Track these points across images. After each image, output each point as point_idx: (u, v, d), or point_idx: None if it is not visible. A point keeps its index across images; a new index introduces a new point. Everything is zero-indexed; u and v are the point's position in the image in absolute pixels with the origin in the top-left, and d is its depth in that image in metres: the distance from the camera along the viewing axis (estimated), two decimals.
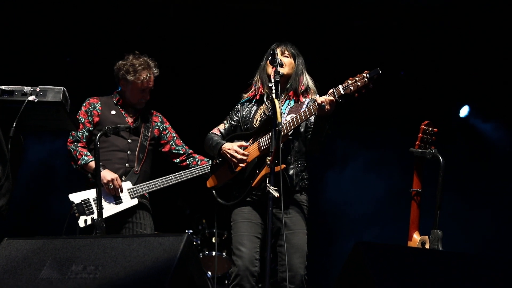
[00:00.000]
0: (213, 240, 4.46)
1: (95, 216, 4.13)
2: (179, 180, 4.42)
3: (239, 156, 3.68)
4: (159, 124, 4.62)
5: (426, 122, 3.78)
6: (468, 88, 7.07)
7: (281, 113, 3.40)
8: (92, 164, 4.22)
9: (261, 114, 3.81)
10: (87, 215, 4.16)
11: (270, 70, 3.71)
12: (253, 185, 3.62)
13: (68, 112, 3.10)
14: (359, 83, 3.39)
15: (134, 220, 4.35)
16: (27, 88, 3.00)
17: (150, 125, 4.55)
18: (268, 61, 3.70)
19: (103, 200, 3.93)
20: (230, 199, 3.76)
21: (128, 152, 4.41)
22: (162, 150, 4.63)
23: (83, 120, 4.39)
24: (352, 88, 3.39)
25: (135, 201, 4.31)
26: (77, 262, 2.57)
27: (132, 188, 4.32)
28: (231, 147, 3.71)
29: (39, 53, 6.66)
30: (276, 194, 3.28)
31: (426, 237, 3.66)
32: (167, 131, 4.63)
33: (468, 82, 6.98)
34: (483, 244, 6.60)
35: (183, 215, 7.08)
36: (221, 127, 3.94)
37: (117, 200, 4.26)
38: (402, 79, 7.20)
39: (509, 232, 6.63)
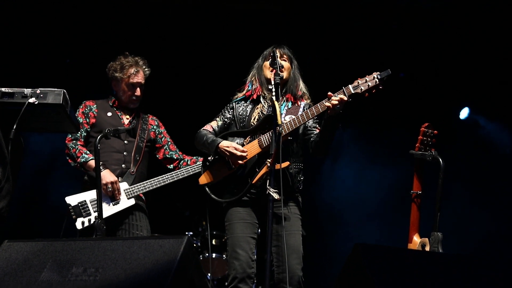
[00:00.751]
0: (208, 238, 4.46)
1: (93, 217, 4.15)
2: (176, 179, 4.43)
3: (239, 154, 3.66)
4: (155, 127, 4.64)
5: (426, 124, 3.79)
6: (468, 90, 7.07)
7: (280, 115, 3.40)
8: (92, 162, 4.25)
9: (258, 113, 3.81)
10: (84, 217, 4.17)
11: (269, 72, 3.73)
12: (253, 182, 3.61)
13: (68, 114, 3.09)
14: (369, 83, 3.44)
15: (131, 221, 4.35)
16: (27, 90, 3.00)
17: (147, 127, 4.57)
18: (268, 63, 3.73)
19: (97, 202, 3.92)
20: (226, 195, 3.75)
21: (125, 153, 4.42)
22: (157, 155, 4.65)
23: (81, 120, 4.42)
24: (363, 88, 3.44)
25: (132, 201, 4.32)
26: (77, 264, 2.57)
27: (129, 189, 4.33)
28: (230, 145, 3.70)
29: (39, 55, 6.66)
30: (276, 196, 3.29)
31: (426, 239, 3.66)
32: (162, 135, 4.66)
33: (468, 84, 6.98)
34: (484, 246, 6.59)
35: (183, 217, 7.08)
36: (214, 124, 3.91)
37: (114, 201, 4.27)
38: (402, 80, 7.20)
39: (509, 233, 6.62)
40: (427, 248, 3.61)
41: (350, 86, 3.48)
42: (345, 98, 3.45)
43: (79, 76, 6.63)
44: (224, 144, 3.71)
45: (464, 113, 7.46)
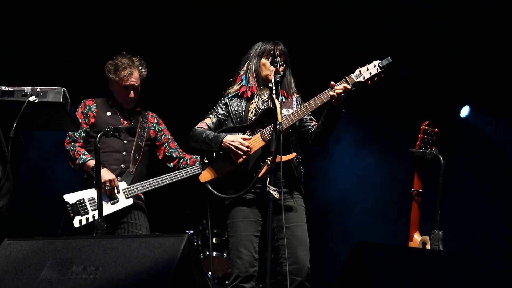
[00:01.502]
0: (209, 236, 4.46)
1: (90, 216, 4.15)
2: (174, 180, 4.43)
3: (245, 149, 3.65)
4: (155, 125, 4.63)
5: (427, 122, 3.79)
6: (469, 88, 7.07)
7: (281, 113, 3.39)
8: (90, 162, 4.27)
9: (255, 108, 3.81)
10: (82, 215, 4.17)
11: (268, 71, 3.74)
12: (259, 175, 3.59)
13: (68, 113, 3.09)
14: (371, 71, 3.54)
15: (129, 220, 4.35)
16: (27, 89, 3.00)
17: (146, 125, 4.56)
18: (268, 62, 3.75)
19: (97, 200, 3.93)
20: (230, 191, 3.73)
21: (124, 153, 4.42)
22: (157, 153, 4.65)
23: (80, 120, 4.39)
24: (365, 76, 3.54)
25: (130, 201, 4.32)
26: (77, 263, 2.57)
27: (127, 188, 4.33)
28: (235, 139, 3.67)
29: (39, 53, 6.66)
30: (276, 195, 3.29)
31: (427, 237, 3.66)
32: (162, 132, 4.64)
33: (468, 82, 6.98)
34: (484, 244, 6.59)
35: (184, 216, 7.08)
36: (208, 121, 3.88)
37: (113, 200, 4.27)
38: (403, 79, 7.20)
39: (510, 231, 6.62)
40: (428, 246, 3.61)
41: (352, 75, 3.57)
42: (349, 87, 3.51)
43: (80, 74, 6.63)
44: (229, 138, 3.69)
45: (464, 111, 7.46)
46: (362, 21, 6.64)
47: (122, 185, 4.33)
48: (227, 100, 3.91)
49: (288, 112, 3.66)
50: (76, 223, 4.14)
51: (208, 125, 3.86)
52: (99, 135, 3.79)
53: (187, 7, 6.53)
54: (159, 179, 4.39)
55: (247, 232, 3.67)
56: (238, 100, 3.88)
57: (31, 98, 2.97)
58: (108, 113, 4.49)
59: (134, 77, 4.43)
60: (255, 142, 3.70)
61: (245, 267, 3.60)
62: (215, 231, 6.58)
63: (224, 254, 6.46)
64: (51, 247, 2.67)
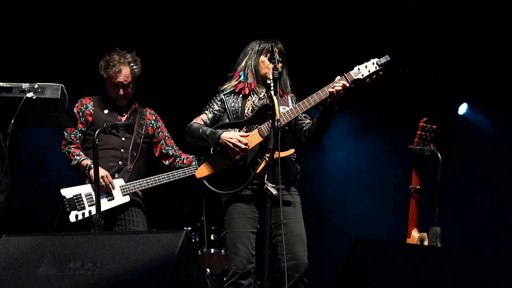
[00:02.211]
0: (205, 233, 4.46)
1: (87, 211, 4.15)
2: (172, 179, 4.42)
3: (243, 146, 3.65)
4: (153, 122, 4.62)
5: (425, 119, 3.79)
6: (467, 85, 7.07)
7: (279, 110, 3.40)
8: (84, 162, 4.30)
9: (251, 104, 3.81)
10: (78, 210, 4.17)
11: (267, 69, 3.74)
12: (257, 171, 3.59)
13: (66, 109, 3.09)
14: (370, 69, 3.59)
15: (127, 217, 4.35)
16: (25, 85, 2.99)
17: (144, 122, 4.55)
18: (266, 59, 3.75)
19: (95, 196, 3.93)
20: (227, 187, 3.72)
21: (122, 150, 4.42)
22: (154, 149, 4.64)
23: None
24: (364, 73, 3.59)
25: (126, 198, 4.32)
26: (75, 259, 2.57)
27: (124, 185, 4.32)
28: (233, 136, 3.67)
29: (37, 50, 6.64)
30: (274, 191, 3.28)
31: (425, 234, 3.66)
32: (159, 129, 4.64)
33: (467, 80, 6.98)
34: (482, 241, 6.60)
35: (181, 213, 7.08)
36: (204, 117, 3.88)
37: (109, 196, 4.27)
38: (401, 76, 7.20)
39: (508, 228, 6.63)
40: (426, 243, 3.62)
41: (351, 72, 3.61)
42: (347, 84, 3.54)
43: (78, 71, 6.62)
44: (227, 135, 3.69)
45: (462, 108, 7.47)
46: (361, 19, 6.63)
47: (120, 182, 4.33)
48: (223, 96, 3.90)
49: (284, 109, 3.67)
50: (72, 218, 4.14)
51: (204, 121, 3.85)
52: (97, 132, 3.80)
53: (185, 5, 6.52)
54: (156, 178, 4.39)
55: (244, 228, 3.67)
56: (234, 96, 3.88)
57: (29, 95, 2.97)
58: (106, 111, 4.48)
59: (123, 75, 4.40)
60: (253, 138, 3.70)
61: (242, 264, 3.61)
62: (212, 228, 6.59)
63: (222, 251, 6.46)
64: (49, 243, 2.67)
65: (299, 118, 3.84)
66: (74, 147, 4.39)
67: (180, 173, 4.43)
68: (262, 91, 3.83)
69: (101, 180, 4.19)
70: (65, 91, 3.05)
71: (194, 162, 4.51)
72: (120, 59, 4.41)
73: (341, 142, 7.52)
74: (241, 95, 3.86)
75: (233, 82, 3.92)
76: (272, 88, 3.42)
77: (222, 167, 3.75)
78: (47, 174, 6.81)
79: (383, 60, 3.61)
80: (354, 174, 7.49)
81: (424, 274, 2.59)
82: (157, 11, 6.56)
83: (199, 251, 6.37)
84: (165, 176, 4.41)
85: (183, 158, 4.59)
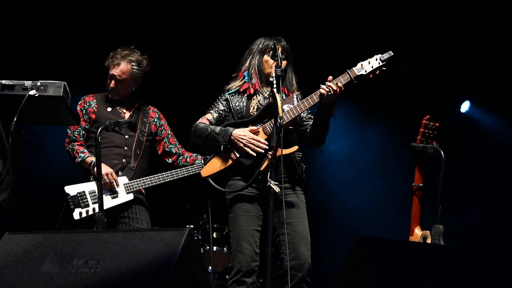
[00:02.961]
0: (209, 231, 4.48)
1: (91, 209, 4.15)
2: (175, 178, 4.42)
3: (256, 143, 3.64)
4: (156, 120, 4.62)
5: (428, 116, 3.78)
6: (469, 83, 7.06)
7: (282, 107, 3.39)
8: (88, 159, 4.30)
9: (256, 104, 3.81)
10: (82, 208, 4.17)
11: (270, 68, 3.73)
12: (261, 169, 3.57)
13: (69, 107, 3.09)
14: (373, 65, 3.58)
15: (131, 215, 4.35)
16: (28, 83, 2.99)
17: (147, 120, 4.55)
18: (269, 57, 3.73)
19: (98, 194, 3.93)
20: (232, 185, 3.72)
21: (125, 147, 4.42)
22: (157, 147, 4.64)
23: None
24: (367, 69, 3.58)
25: (130, 196, 4.31)
26: (78, 257, 2.57)
27: (128, 183, 4.32)
28: (245, 133, 3.66)
29: (40, 48, 6.65)
30: (277, 189, 3.28)
31: (428, 232, 3.65)
32: (162, 127, 4.64)
33: (469, 77, 6.97)
34: (485, 239, 6.60)
35: (184, 211, 7.09)
36: (209, 117, 3.87)
37: (113, 194, 4.27)
38: (403, 74, 7.19)
39: (510, 226, 6.63)
40: (429, 241, 3.61)
41: (354, 68, 3.59)
42: (335, 87, 3.50)
43: (80, 69, 6.63)
44: (238, 132, 3.68)
45: (465, 106, 7.46)
46: (361, 17, 6.62)
47: (123, 180, 4.32)
48: (228, 96, 3.90)
49: (289, 108, 3.66)
50: (76, 215, 4.14)
51: (209, 121, 3.85)
52: (100, 129, 3.79)
53: (188, 4, 6.51)
54: (160, 176, 4.39)
55: (249, 226, 3.67)
56: (239, 96, 3.87)
57: (32, 92, 2.96)
58: (109, 109, 4.49)
59: (119, 69, 4.41)
60: (259, 136, 3.70)
61: (246, 261, 3.60)
62: (215, 225, 6.59)
63: (225, 248, 6.46)
64: (51, 241, 2.67)
65: (304, 119, 3.84)
66: (78, 145, 4.40)
67: (184, 172, 4.43)
68: (267, 90, 3.82)
69: (105, 177, 4.19)
70: (68, 88, 3.05)
71: (197, 160, 4.51)
72: (125, 55, 4.43)
73: (344, 140, 7.52)
74: (246, 95, 3.86)
75: (238, 82, 3.92)
76: (274, 85, 3.42)
77: (227, 165, 3.74)
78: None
79: (386, 55, 3.61)
80: (357, 171, 7.49)
81: (427, 272, 2.58)
82: (159, 10, 6.56)
83: (201, 249, 6.37)
84: (169, 174, 4.41)
85: (186, 156, 4.59)
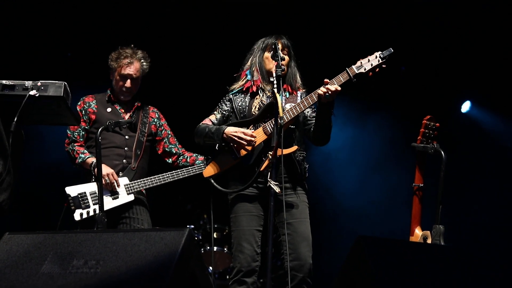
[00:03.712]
0: (211, 232, 4.48)
1: (91, 210, 4.15)
2: (176, 178, 4.42)
3: (248, 138, 3.64)
4: (156, 120, 4.63)
5: (428, 117, 3.78)
6: (470, 83, 7.06)
7: (282, 107, 3.38)
8: (89, 160, 4.31)
9: (258, 103, 3.81)
10: (83, 209, 4.17)
11: (271, 64, 3.72)
12: (261, 169, 3.58)
13: (69, 107, 3.09)
14: (372, 63, 3.53)
15: (131, 215, 4.35)
16: (28, 83, 2.99)
17: (147, 120, 4.56)
18: (270, 56, 3.73)
19: (98, 194, 3.93)
20: (233, 186, 3.72)
21: (126, 148, 4.42)
22: (157, 147, 4.64)
23: None
24: (366, 67, 3.53)
25: (131, 197, 4.32)
26: (78, 257, 2.57)
27: (129, 184, 4.33)
28: (237, 130, 3.67)
29: (40, 48, 6.65)
30: (277, 189, 3.27)
31: (428, 232, 3.65)
32: (162, 127, 4.64)
33: (470, 77, 6.97)
34: (486, 239, 6.59)
35: (184, 211, 7.08)
36: (212, 117, 3.90)
37: (114, 195, 4.27)
38: (404, 74, 7.19)
39: (510, 226, 6.62)
40: (429, 241, 3.61)
41: (353, 66, 3.56)
42: (333, 89, 3.48)
43: (80, 69, 6.62)
44: (230, 129, 3.69)
45: (465, 106, 7.45)
46: (361, 17, 6.62)
47: (124, 180, 4.32)
48: (231, 96, 3.91)
49: (291, 106, 3.65)
50: (76, 216, 4.14)
51: (212, 122, 3.87)
52: (100, 130, 3.79)
53: (188, 3, 6.51)
54: (161, 177, 4.39)
55: (250, 226, 3.67)
56: (242, 95, 3.88)
57: (32, 92, 2.97)
58: (109, 109, 4.49)
59: (133, 67, 4.43)
60: (258, 136, 3.69)
61: (247, 262, 3.60)
62: (215, 226, 6.59)
63: (225, 249, 6.46)
64: (52, 241, 2.67)
65: (309, 118, 3.83)
66: (78, 145, 4.40)
67: (184, 172, 4.43)
68: (270, 89, 3.82)
69: (106, 178, 4.19)
70: (68, 88, 3.05)
71: (197, 161, 4.51)
72: (132, 53, 4.44)
73: (344, 139, 7.51)
74: (249, 94, 3.86)
75: (241, 82, 3.93)
76: (275, 85, 3.41)
77: (228, 165, 3.75)
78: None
79: (386, 53, 3.56)
80: (357, 171, 7.48)
81: (427, 272, 2.58)
82: (159, 10, 6.56)
83: (202, 249, 6.37)
84: (170, 174, 4.41)
85: (187, 157, 4.60)
